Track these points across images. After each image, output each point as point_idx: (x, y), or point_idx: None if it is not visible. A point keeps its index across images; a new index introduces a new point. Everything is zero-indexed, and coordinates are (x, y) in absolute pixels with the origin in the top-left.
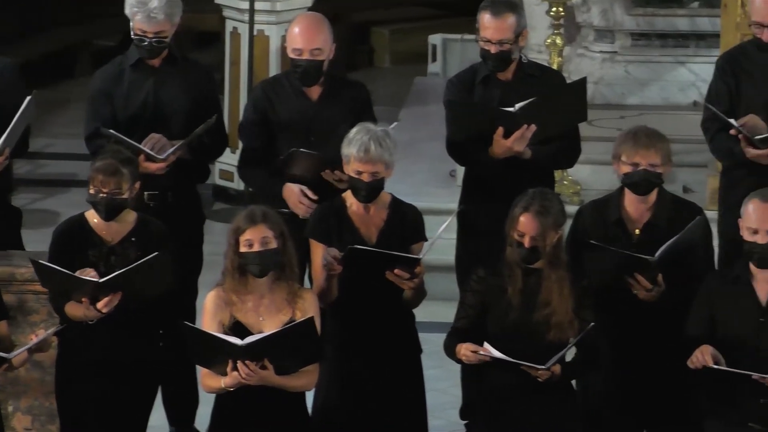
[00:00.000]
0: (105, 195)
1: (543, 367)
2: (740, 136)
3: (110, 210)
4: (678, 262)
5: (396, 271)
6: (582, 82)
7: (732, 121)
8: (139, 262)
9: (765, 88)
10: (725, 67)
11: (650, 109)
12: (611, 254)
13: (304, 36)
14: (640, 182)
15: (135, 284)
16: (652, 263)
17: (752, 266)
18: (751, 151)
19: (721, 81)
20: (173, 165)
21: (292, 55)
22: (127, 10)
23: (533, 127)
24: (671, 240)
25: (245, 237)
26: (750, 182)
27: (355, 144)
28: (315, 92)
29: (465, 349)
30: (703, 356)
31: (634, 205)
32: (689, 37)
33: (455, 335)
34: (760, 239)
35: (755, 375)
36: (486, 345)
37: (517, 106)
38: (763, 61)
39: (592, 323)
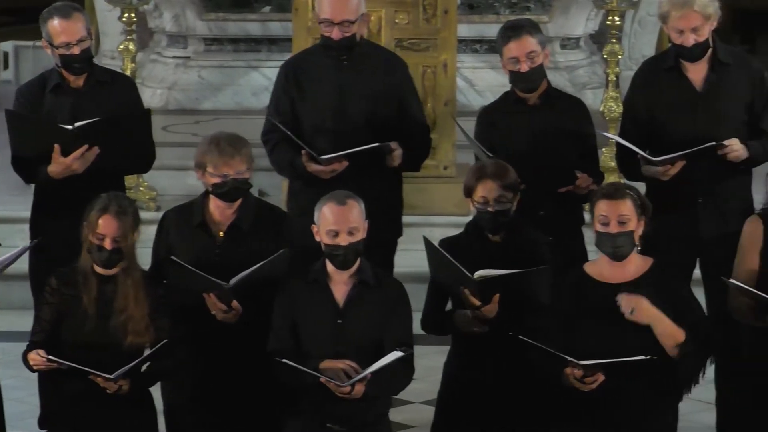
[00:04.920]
0: None
1: (111, 376)
2: (303, 152)
3: None
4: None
5: None
6: (145, 114)
7: (299, 141)
8: None
9: (328, 91)
10: (288, 76)
11: (225, 114)
12: (189, 273)
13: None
14: (231, 191)
15: None
16: (226, 289)
17: (329, 268)
18: (313, 167)
19: (281, 91)
20: None
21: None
22: None
23: (96, 150)
24: (249, 270)
25: None
26: (310, 193)
27: None
28: None
29: (35, 354)
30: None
31: (219, 209)
32: (261, 42)
33: (33, 349)
34: (341, 241)
35: (322, 378)
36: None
37: (76, 124)
38: (329, 63)
39: (165, 340)
